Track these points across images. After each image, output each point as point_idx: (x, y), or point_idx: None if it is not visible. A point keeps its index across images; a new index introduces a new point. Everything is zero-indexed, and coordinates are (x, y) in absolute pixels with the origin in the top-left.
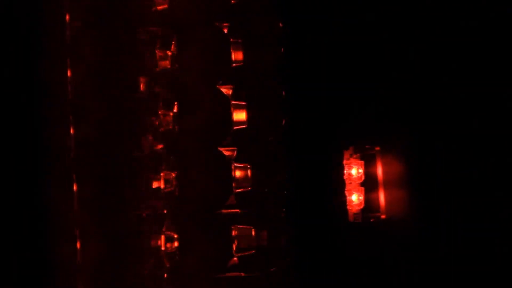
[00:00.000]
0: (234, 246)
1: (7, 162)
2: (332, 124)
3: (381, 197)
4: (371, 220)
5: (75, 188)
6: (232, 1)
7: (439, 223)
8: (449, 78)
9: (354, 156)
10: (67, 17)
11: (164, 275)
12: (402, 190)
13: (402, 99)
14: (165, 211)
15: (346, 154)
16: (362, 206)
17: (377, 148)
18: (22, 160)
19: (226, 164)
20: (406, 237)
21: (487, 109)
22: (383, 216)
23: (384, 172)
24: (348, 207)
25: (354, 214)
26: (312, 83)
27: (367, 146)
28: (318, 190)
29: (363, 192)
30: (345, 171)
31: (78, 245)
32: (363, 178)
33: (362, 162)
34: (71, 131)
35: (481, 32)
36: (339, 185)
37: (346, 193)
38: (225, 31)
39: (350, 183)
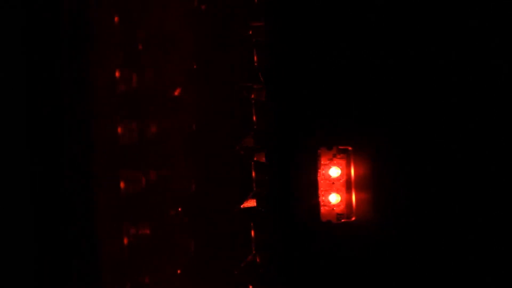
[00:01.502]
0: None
1: (54, 159)
2: (310, 124)
3: (353, 198)
4: (342, 220)
5: (122, 185)
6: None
7: (409, 225)
8: (424, 80)
9: (338, 156)
10: (116, 19)
11: (177, 270)
12: (371, 191)
13: (373, 99)
14: None
15: (329, 154)
16: (344, 206)
17: (350, 148)
18: (69, 156)
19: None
20: (375, 239)
21: (461, 112)
22: (353, 218)
23: (355, 173)
24: (328, 208)
25: (338, 214)
26: (290, 83)
27: (340, 147)
28: (292, 191)
29: (344, 193)
30: (323, 172)
31: (125, 241)
32: (344, 179)
33: (344, 162)
34: (118, 130)
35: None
36: (312, 185)
37: (324, 193)
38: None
39: (333, 183)
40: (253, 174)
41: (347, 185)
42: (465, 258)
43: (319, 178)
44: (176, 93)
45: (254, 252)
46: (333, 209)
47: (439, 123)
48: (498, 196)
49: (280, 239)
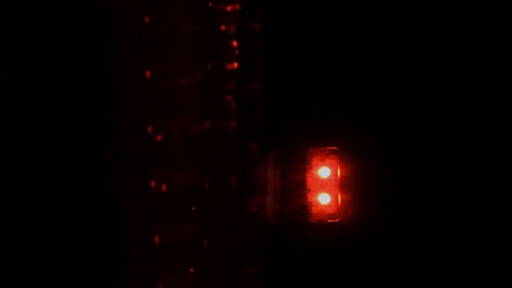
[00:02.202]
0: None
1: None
2: (301, 125)
3: (339, 198)
4: (328, 221)
5: (152, 184)
6: None
7: (392, 226)
8: (407, 79)
9: (330, 157)
10: (146, 18)
11: (190, 269)
12: (357, 192)
13: (357, 100)
14: None
15: (321, 155)
16: (335, 207)
17: (335, 149)
18: (98, 157)
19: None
20: (360, 240)
21: (441, 112)
22: (337, 219)
23: (341, 174)
24: (320, 208)
25: (331, 214)
26: (282, 85)
27: (328, 148)
28: (282, 191)
29: (336, 194)
30: (314, 172)
31: (156, 240)
32: (335, 179)
33: (336, 163)
34: (149, 129)
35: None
36: (301, 186)
37: (315, 194)
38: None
39: (326, 183)
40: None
41: (338, 185)
42: (450, 256)
43: (311, 179)
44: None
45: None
46: (324, 209)
47: (425, 123)
48: (475, 192)
49: (270, 240)
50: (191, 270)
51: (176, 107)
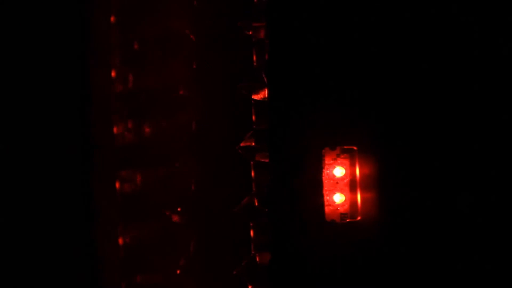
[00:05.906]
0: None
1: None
2: (313, 124)
3: (358, 198)
4: (347, 220)
5: (119, 185)
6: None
7: (412, 225)
8: (429, 79)
9: (342, 156)
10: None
11: (177, 271)
12: (377, 191)
13: (377, 98)
14: None
15: (333, 154)
16: (347, 206)
17: (355, 148)
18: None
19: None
20: (380, 239)
21: (465, 110)
22: (358, 218)
23: (360, 173)
24: (332, 208)
25: (342, 214)
26: (294, 83)
27: (345, 147)
28: (295, 191)
29: (348, 192)
30: (327, 171)
31: (122, 241)
32: (348, 178)
33: (348, 162)
34: (116, 130)
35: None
36: (316, 185)
37: (328, 193)
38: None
39: (337, 183)
40: (253, 174)
41: (351, 184)
42: (470, 258)
43: (323, 178)
44: (177, 93)
45: (253, 252)
46: (337, 208)
47: (443, 122)
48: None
49: (284, 239)
50: (178, 272)
51: (158, 107)
